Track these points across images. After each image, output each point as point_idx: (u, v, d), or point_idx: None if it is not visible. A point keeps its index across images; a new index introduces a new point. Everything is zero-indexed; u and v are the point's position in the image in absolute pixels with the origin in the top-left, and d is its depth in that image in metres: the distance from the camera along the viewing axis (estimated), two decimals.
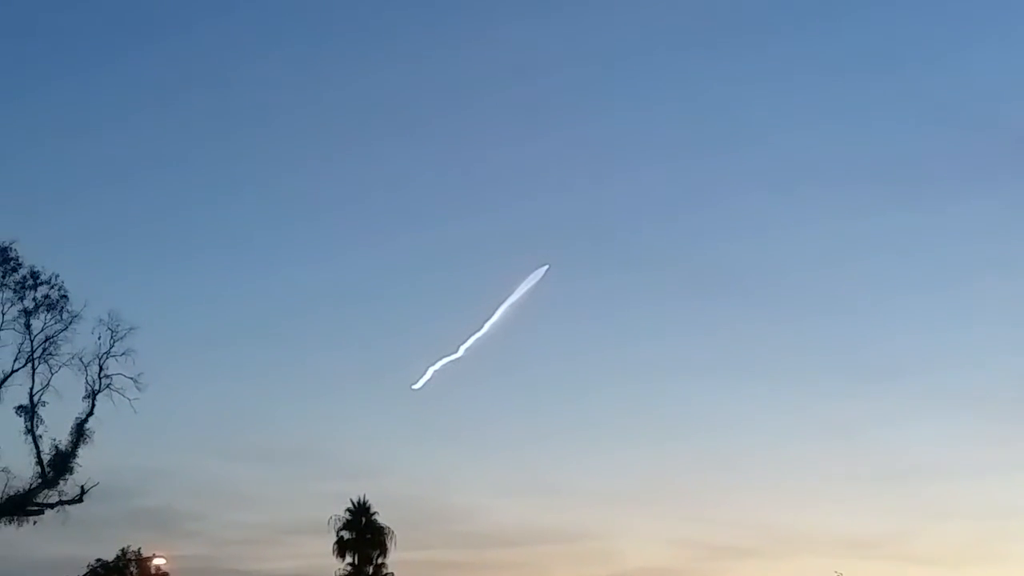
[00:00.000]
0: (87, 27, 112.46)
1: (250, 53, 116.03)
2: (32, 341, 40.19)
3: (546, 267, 76.29)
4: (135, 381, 41.30)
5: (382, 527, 57.39)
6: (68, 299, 40.80)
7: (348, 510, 57.38)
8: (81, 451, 41.01)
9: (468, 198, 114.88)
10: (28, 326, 40.17)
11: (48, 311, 40.50)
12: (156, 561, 53.10)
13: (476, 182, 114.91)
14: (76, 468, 40.85)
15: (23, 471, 40.32)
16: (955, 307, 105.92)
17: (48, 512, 40.78)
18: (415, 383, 74.92)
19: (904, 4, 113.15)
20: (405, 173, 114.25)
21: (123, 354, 41.29)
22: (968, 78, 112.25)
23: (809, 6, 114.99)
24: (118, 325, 41.29)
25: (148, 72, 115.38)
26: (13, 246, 40.00)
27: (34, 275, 40.34)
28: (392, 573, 58.67)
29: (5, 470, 39.92)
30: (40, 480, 40.43)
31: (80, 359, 41.00)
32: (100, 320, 41.16)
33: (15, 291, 39.94)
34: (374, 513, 57.54)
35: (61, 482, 40.63)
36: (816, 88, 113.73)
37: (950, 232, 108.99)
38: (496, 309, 73.93)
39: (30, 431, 40.37)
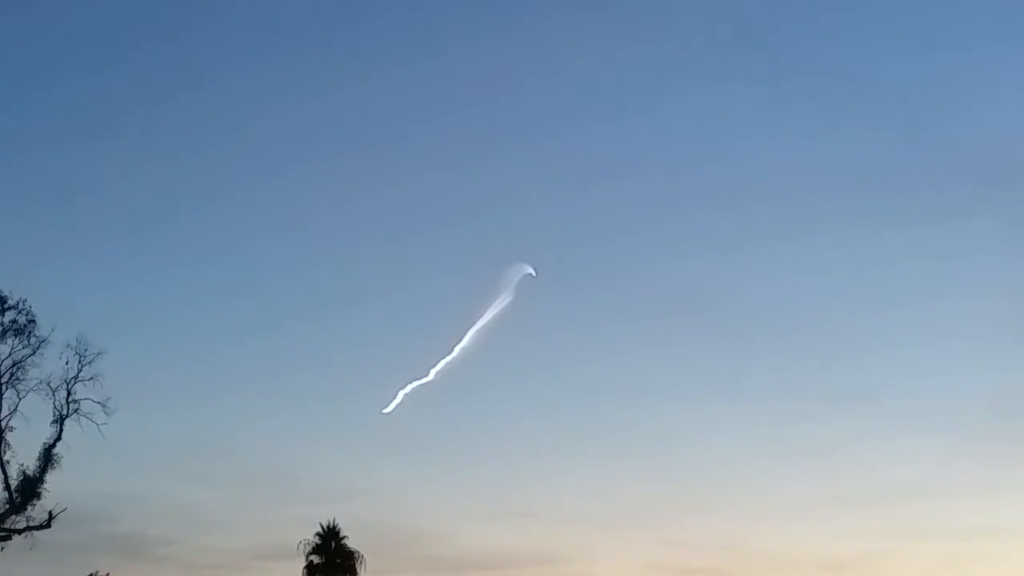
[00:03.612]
0: (49, 47, 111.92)
1: (216, 73, 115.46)
2: (0, 366, 40.14)
3: (531, 270, 76.65)
4: (103, 406, 41.23)
5: (352, 551, 56.62)
6: (36, 324, 40.77)
7: (318, 534, 56.59)
8: (49, 476, 40.99)
9: (438, 220, 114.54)
10: None
11: (16, 336, 40.47)
12: None
13: (444, 204, 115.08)
14: (44, 493, 40.85)
15: None
16: (927, 327, 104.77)
17: (16, 537, 40.47)
18: (385, 407, 74.13)
19: (874, 22, 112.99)
20: (371, 194, 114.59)
21: (91, 379, 41.20)
22: (939, 100, 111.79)
23: (778, 24, 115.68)
24: (86, 350, 41.24)
25: (111, 92, 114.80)
26: None
27: (1, 300, 40.33)
28: None
29: None
30: (7, 506, 40.22)
31: (48, 384, 40.88)
32: (68, 345, 40.97)
33: None
34: (344, 537, 56.83)
35: (29, 507, 40.54)
36: (788, 109, 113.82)
37: (922, 252, 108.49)
38: (466, 332, 74.13)
39: None
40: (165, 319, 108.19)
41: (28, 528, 40.64)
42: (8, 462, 40.57)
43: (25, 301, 40.96)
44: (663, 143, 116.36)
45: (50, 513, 40.74)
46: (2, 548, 40.43)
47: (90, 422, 41.44)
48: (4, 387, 40.36)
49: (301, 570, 55.83)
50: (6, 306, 40.42)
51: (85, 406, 41.40)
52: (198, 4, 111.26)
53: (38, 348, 40.82)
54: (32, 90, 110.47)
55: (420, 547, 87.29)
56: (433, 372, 72.30)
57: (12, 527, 40.45)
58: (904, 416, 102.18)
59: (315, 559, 55.94)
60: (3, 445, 40.45)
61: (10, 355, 40.43)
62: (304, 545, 56.07)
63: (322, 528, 56.44)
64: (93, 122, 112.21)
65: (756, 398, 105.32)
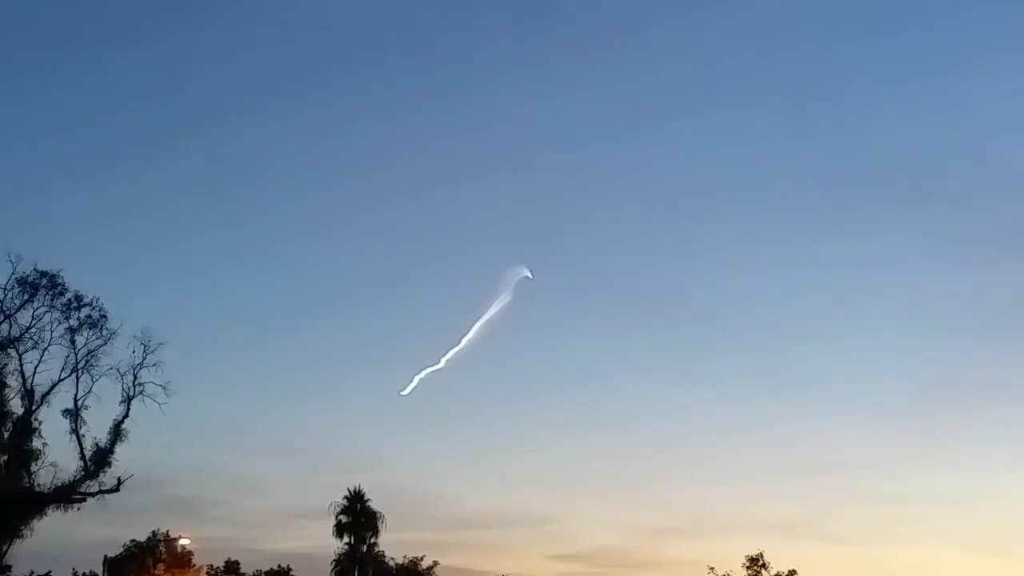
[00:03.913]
0: (132, 66, 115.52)
1: (257, 111, 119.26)
2: (76, 355, 42.65)
3: (528, 273, 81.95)
4: (164, 388, 43.64)
5: (375, 512, 60.98)
6: (107, 318, 43.29)
7: (345, 498, 60.88)
8: (118, 448, 43.47)
9: (448, 231, 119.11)
10: (73, 342, 42.61)
11: (90, 329, 42.99)
12: (182, 542, 55.84)
13: (453, 217, 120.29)
14: (114, 462, 43.31)
15: (69, 465, 42.73)
16: (863, 324, 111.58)
17: (90, 500, 43.22)
18: (403, 389, 77.15)
19: (821, 64, 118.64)
20: (393, 210, 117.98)
21: (154, 365, 43.59)
22: (875, 133, 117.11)
23: (735, 70, 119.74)
24: (150, 340, 43.61)
25: (168, 114, 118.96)
26: (60, 274, 42.69)
27: (78, 298, 42.84)
28: (383, 551, 63.08)
29: (54, 464, 42.57)
30: (83, 473, 42.76)
31: (117, 369, 43.30)
32: (134, 336, 43.46)
33: (62, 312, 42.53)
34: (368, 500, 61.08)
35: (101, 474, 43.01)
36: (744, 138, 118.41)
37: (859, 260, 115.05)
38: (472, 326, 78.87)
39: (75, 431, 42.78)
40: (217, 314, 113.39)
41: (100, 492, 43.02)
42: (84, 436, 42.89)
43: (98, 299, 43.55)
44: (640, 168, 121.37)
45: (119, 479, 43.11)
46: (78, 509, 43.24)
47: (153, 402, 43.68)
48: (80, 372, 42.67)
49: (332, 528, 60.94)
50: (82, 304, 42.92)
51: (149, 388, 43.63)
52: (251, 50, 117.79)
53: (109, 339, 43.30)
54: (111, 114, 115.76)
55: (432, 509, 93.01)
56: (444, 360, 75.74)
57: (87, 491, 42.90)
58: (843, 399, 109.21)
59: (343, 519, 60.77)
60: (79, 421, 42.83)
61: (85, 345, 42.82)
62: (334, 507, 61.11)
63: (349, 492, 61.18)
64: (154, 145, 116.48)
65: (717, 383, 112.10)
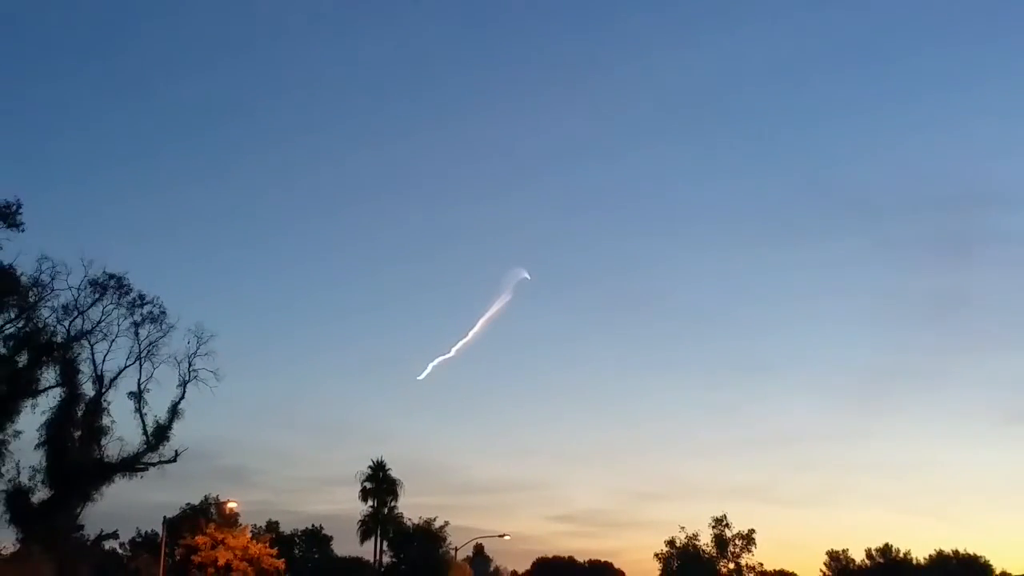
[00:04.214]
0: (206, 88, 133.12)
1: (297, 127, 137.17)
2: (140, 345, 46.09)
3: (526, 275, 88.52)
4: (215, 374, 47.14)
5: (395, 479, 65.61)
6: (166, 314, 46.65)
7: (369, 467, 65.38)
8: (175, 425, 46.80)
9: (457, 240, 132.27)
10: (137, 335, 46.07)
11: (151, 323, 46.32)
12: (230, 505, 59.02)
13: (463, 228, 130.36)
14: (171, 437, 46.62)
15: (133, 439, 46.14)
16: (811, 318, 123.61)
17: (151, 469, 46.50)
18: (419, 375, 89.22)
19: (771, 96, 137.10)
20: (408, 221, 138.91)
21: (206, 354, 47.12)
22: (822, 155, 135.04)
23: (699, 100, 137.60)
24: (202, 333, 47.26)
25: (216, 144, 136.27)
26: (126, 276, 46.08)
27: (141, 297, 46.34)
28: (402, 513, 67.97)
29: (120, 439, 45.94)
30: (145, 446, 46.07)
31: (174, 358, 46.78)
32: (189, 329, 47.20)
33: (127, 309, 45.99)
34: (389, 469, 65.67)
35: (161, 447, 46.31)
36: (710, 159, 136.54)
37: (809, 263, 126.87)
38: (477, 321, 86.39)
39: (138, 410, 46.20)
40: (261, 311, 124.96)
41: (160, 462, 46.31)
42: (146, 414, 46.35)
43: (158, 298, 46.84)
44: (624, 185, 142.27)
45: (176, 452, 46.52)
46: (142, 477, 46.63)
47: (205, 385, 47.07)
48: (143, 360, 46.16)
49: (357, 493, 65.80)
50: (144, 302, 46.31)
51: (202, 374, 47.06)
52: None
53: (168, 332, 46.64)
54: (166, 143, 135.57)
55: (444, 476, 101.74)
56: (454, 350, 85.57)
57: (148, 462, 46.24)
58: (793, 382, 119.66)
59: (368, 485, 65.38)
60: (142, 402, 46.30)
61: (147, 337, 46.25)
62: (360, 475, 65.91)
63: (373, 463, 65.85)
64: (206, 169, 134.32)
65: (689, 368, 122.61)
